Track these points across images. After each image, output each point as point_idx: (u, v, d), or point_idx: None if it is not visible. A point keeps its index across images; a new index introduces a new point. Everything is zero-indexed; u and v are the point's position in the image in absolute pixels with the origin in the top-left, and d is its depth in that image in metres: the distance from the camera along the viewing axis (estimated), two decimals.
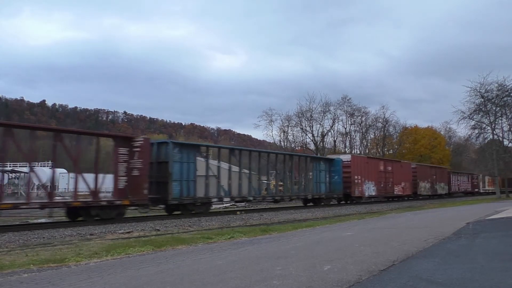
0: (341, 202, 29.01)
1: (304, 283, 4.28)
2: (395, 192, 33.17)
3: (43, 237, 10.55)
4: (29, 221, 15.28)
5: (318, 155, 39.79)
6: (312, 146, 55.97)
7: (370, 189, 29.75)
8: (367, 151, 59.78)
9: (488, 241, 7.48)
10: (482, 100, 37.57)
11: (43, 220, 15.43)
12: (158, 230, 12.30)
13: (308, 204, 26.12)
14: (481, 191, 56.78)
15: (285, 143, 55.95)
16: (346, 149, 58.09)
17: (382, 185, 31.19)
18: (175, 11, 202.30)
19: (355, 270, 4.90)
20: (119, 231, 11.70)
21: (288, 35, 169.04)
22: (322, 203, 25.82)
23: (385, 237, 8.46)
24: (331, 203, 27.78)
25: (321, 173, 26.26)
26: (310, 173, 25.93)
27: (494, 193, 46.80)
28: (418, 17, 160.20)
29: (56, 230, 11.88)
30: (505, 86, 36.91)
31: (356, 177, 28.05)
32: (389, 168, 32.68)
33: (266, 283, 4.32)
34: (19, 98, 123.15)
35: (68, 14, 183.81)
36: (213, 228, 12.79)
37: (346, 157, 28.77)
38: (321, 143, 55.36)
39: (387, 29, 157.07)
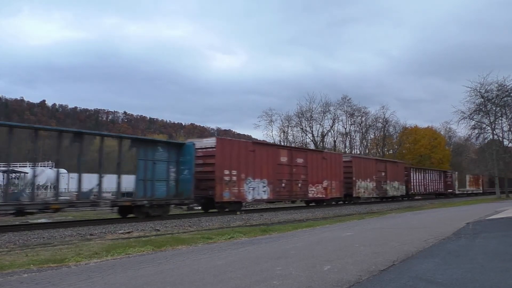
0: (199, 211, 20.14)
1: (304, 283, 4.28)
2: (309, 195, 23.65)
3: (43, 237, 10.55)
4: (29, 221, 15.26)
5: (153, 138, 22.81)
6: (312, 146, 55.98)
7: (257, 190, 20.30)
8: (367, 151, 59.82)
9: (488, 241, 7.48)
10: (482, 100, 37.59)
11: (43, 220, 15.42)
12: (158, 230, 12.30)
13: (129, 216, 15.87)
14: (457, 192, 48.06)
15: (285, 143, 55.95)
16: (346, 149, 58.17)
17: (283, 185, 21.84)
18: (175, 11, 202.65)
19: (355, 270, 4.90)
20: (119, 231, 11.69)
21: (288, 34, 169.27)
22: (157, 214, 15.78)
23: (385, 237, 8.46)
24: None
25: (159, 165, 16.23)
26: (130, 165, 18.06)
27: (476, 194, 45.71)
28: (418, 17, 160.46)
29: (56, 230, 11.88)
30: (505, 86, 36.95)
31: (226, 171, 18.81)
32: (299, 160, 23.15)
33: (266, 283, 4.32)
34: (19, 98, 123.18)
35: (68, 14, 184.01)
36: (213, 228, 12.79)
37: (208, 142, 19.34)
38: (321, 143, 55.39)
39: (387, 29, 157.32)
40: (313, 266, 5.22)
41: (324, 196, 24.89)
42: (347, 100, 56.37)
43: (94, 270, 5.41)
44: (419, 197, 40.11)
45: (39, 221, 15.15)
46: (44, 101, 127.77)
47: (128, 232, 11.57)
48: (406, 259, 5.67)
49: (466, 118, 38.16)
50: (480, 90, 37.12)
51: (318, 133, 55.83)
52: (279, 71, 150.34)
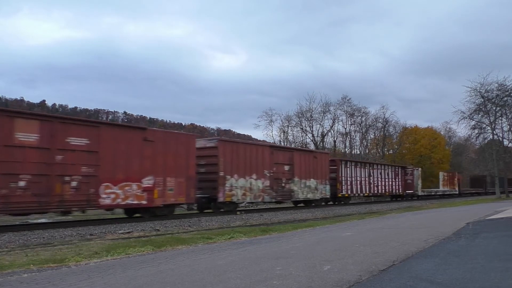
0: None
1: (304, 283, 4.28)
2: (101, 201, 13.38)
3: (43, 237, 10.55)
4: (29, 221, 15.28)
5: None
6: (312, 146, 56.01)
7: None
8: (367, 151, 59.82)
9: (488, 241, 7.48)
10: (482, 100, 37.61)
11: (43, 220, 15.43)
12: (158, 230, 12.30)
13: None
14: (419, 193, 37.98)
15: (285, 143, 55.99)
16: (346, 149, 58.20)
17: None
18: (174, 10, 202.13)
19: (355, 270, 4.91)
20: (119, 231, 11.69)
21: (288, 34, 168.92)
22: None
23: (385, 237, 8.46)
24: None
25: None
26: None
27: (449, 195, 41.55)
28: (419, 17, 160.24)
29: (56, 230, 11.88)
30: (505, 86, 37.01)
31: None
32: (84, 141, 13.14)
33: (266, 283, 4.32)
34: (19, 98, 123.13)
35: (68, 13, 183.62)
36: (213, 228, 12.79)
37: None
38: (321, 143, 55.40)
39: (388, 29, 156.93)
40: (313, 266, 5.22)
41: (141, 202, 14.67)
42: (347, 100, 56.32)
43: (94, 270, 5.41)
44: (358, 201, 31.57)
45: (39, 221, 15.15)
46: (44, 101, 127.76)
47: (128, 232, 11.57)
48: (406, 259, 5.67)
49: (466, 118, 38.25)
50: (480, 90, 37.19)
51: (318, 133, 55.84)
52: (279, 70, 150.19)
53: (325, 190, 24.92)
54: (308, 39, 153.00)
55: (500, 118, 39.25)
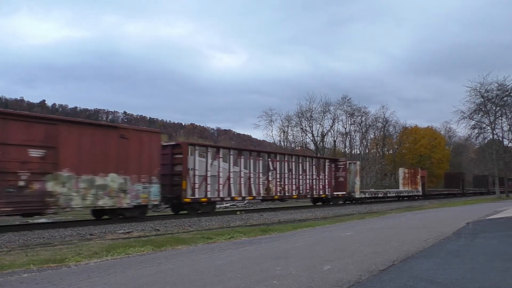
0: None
1: (304, 283, 4.28)
2: None
3: (43, 237, 10.55)
4: (29, 221, 15.26)
5: None
6: (312, 146, 56.06)
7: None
8: (367, 151, 59.82)
9: (488, 241, 7.49)
10: (482, 100, 37.63)
11: (43, 220, 15.42)
12: (158, 230, 12.30)
13: None
14: (357, 195, 28.20)
15: (285, 143, 56.05)
16: (346, 149, 58.22)
17: None
18: (174, 10, 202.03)
19: (355, 270, 4.91)
20: (119, 231, 11.70)
21: (288, 33, 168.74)
22: None
23: (385, 237, 8.47)
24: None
25: None
26: None
27: (409, 198, 34.69)
28: (419, 16, 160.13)
29: (56, 230, 11.88)
30: (505, 86, 37.04)
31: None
32: None
33: (266, 283, 4.32)
34: (19, 98, 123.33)
35: (67, 12, 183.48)
36: (213, 228, 12.79)
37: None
38: (321, 143, 55.43)
39: (388, 28, 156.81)
40: (313, 266, 5.22)
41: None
42: (347, 100, 56.40)
43: (94, 270, 5.41)
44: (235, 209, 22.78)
45: (39, 221, 15.15)
46: (44, 101, 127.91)
47: (128, 232, 11.57)
48: (406, 259, 5.67)
49: (466, 118, 38.25)
50: (480, 90, 37.21)
51: (318, 133, 55.89)
52: (279, 70, 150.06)
53: (147, 193, 15.01)
54: (308, 39, 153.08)
55: (500, 118, 39.29)
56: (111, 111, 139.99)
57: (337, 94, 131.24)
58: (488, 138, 40.20)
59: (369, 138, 61.01)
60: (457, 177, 48.25)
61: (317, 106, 55.30)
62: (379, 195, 32.34)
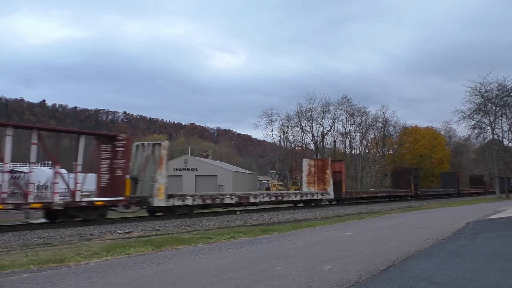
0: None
1: (304, 283, 4.28)
2: None
3: (43, 237, 10.55)
4: (29, 221, 15.27)
5: None
6: (312, 146, 56.07)
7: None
8: (367, 151, 59.82)
9: (488, 241, 7.48)
10: (482, 100, 37.66)
11: (43, 220, 15.42)
12: (158, 230, 12.30)
13: None
14: (156, 202, 15.60)
15: (285, 143, 56.07)
16: (346, 149, 58.22)
17: None
18: (174, 9, 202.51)
19: (355, 270, 4.90)
20: (119, 231, 11.70)
21: (288, 33, 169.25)
22: None
23: (384, 237, 8.46)
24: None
25: None
26: None
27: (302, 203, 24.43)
28: (419, 16, 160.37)
29: (56, 230, 11.88)
30: (505, 86, 37.10)
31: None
32: None
33: (266, 283, 4.32)
34: (19, 98, 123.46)
35: (67, 12, 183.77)
36: (213, 228, 12.79)
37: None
38: (321, 143, 55.42)
39: (389, 28, 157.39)
40: (313, 266, 5.22)
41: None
42: (347, 100, 56.44)
43: (94, 270, 5.41)
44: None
45: (39, 221, 15.15)
46: (44, 101, 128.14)
47: (128, 232, 11.57)
48: (406, 259, 5.66)
49: (466, 118, 38.30)
50: (480, 90, 37.24)
51: (318, 133, 55.92)
52: (279, 70, 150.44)
53: None
54: (308, 39, 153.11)
55: (500, 118, 39.34)
56: (111, 111, 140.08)
57: (337, 94, 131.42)
58: (488, 138, 40.29)
59: (369, 138, 61.09)
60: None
61: (317, 106, 55.41)
62: (217, 201, 18.84)
